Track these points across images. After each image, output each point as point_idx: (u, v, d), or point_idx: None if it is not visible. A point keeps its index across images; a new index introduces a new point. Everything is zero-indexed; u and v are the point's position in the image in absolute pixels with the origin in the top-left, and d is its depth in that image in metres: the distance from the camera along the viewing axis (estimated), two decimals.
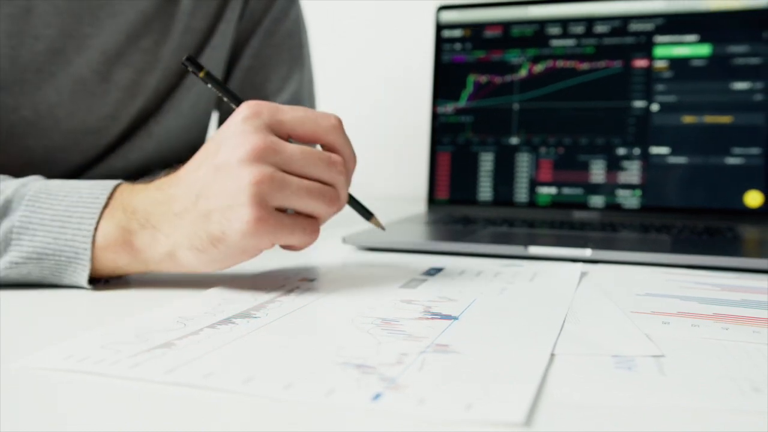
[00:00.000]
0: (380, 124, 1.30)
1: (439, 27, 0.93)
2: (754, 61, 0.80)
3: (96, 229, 0.41)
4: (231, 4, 0.71)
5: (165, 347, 0.30)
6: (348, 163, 0.43)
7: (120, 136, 0.67)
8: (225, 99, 0.46)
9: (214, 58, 0.71)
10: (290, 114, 0.42)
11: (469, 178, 0.90)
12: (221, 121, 0.80)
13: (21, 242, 0.41)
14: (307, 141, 0.42)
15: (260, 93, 0.76)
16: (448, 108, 0.92)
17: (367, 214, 0.49)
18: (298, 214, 0.42)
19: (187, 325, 0.34)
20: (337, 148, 0.43)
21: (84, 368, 0.28)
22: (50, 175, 0.65)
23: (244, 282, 0.45)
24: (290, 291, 0.43)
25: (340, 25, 1.31)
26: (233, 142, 0.40)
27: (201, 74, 0.46)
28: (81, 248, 0.41)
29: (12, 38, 0.57)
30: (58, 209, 0.42)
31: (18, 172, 0.62)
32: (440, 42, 0.93)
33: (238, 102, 0.45)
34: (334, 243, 0.64)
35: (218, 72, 0.73)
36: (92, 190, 0.43)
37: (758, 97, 0.80)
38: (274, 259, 0.54)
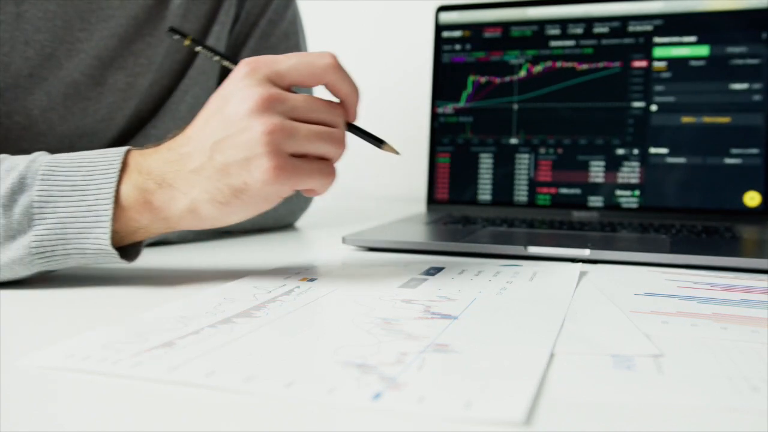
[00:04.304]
0: (380, 125, 1.30)
1: (439, 28, 0.93)
2: (752, 61, 0.80)
3: (117, 192, 0.42)
4: (224, 6, 0.71)
5: (166, 346, 0.30)
6: (350, 97, 0.45)
7: (117, 139, 0.67)
8: (222, 63, 0.47)
9: (209, 60, 0.71)
10: (286, 63, 0.43)
11: (469, 178, 0.90)
12: None
13: (44, 215, 0.42)
14: (307, 86, 0.44)
15: None
16: (448, 108, 0.92)
17: (377, 142, 0.48)
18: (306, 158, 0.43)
19: (187, 325, 0.34)
20: (337, 86, 0.45)
21: (86, 367, 0.28)
22: None
23: (244, 282, 0.45)
24: (291, 290, 0.43)
25: (339, 26, 1.31)
26: (239, 96, 0.41)
27: (187, 41, 0.47)
28: (102, 210, 0.42)
29: (4, 45, 0.57)
30: (75, 180, 0.43)
31: None
32: (440, 43, 0.93)
33: (235, 63, 0.46)
34: (334, 243, 0.64)
35: (215, 73, 0.73)
36: (104, 157, 0.44)
37: (756, 97, 0.80)
38: (275, 259, 0.55)
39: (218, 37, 0.71)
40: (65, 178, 0.43)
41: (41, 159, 0.44)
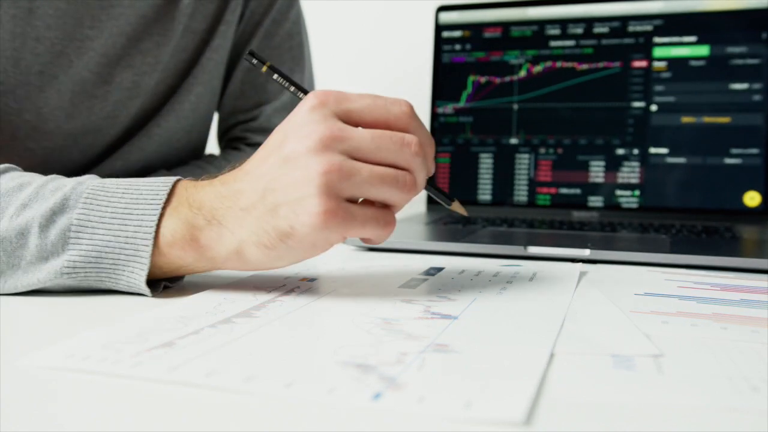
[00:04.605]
0: None
1: (439, 28, 0.93)
2: (752, 61, 0.80)
3: (158, 226, 0.40)
4: (231, 5, 0.71)
5: (166, 346, 0.30)
6: (425, 147, 0.41)
7: (120, 136, 0.68)
8: (291, 90, 0.45)
9: (214, 59, 0.71)
10: (358, 102, 0.40)
11: (469, 178, 0.90)
12: (221, 122, 0.80)
13: (80, 241, 0.40)
14: (377, 128, 0.40)
15: (261, 94, 0.76)
16: (448, 108, 0.92)
17: (447, 200, 0.47)
18: (370, 203, 0.40)
19: (187, 325, 0.34)
20: (411, 134, 0.41)
21: (86, 367, 0.28)
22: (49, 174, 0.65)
23: (244, 282, 0.45)
24: (291, 290, 0.43)
25: (340, 27, 1.31)
26: (300, 133, 0.38)
27: (264, 68, 0.45)
28: (142, 245, 0.39)
29: (15, 39, 0.58)
30: (117, 207, 0.40)
31: None
32: (440, 43, 0.93)
33: (305, 92, 0.44)
34: None
35: (219, 72, 0.73)
36: (151, 186, 0.41)
37: (756, 97, 0.80)
38: None
39: (224, 36, 0.71)
40: (107, 203, 0.40)
41: (89, 182, 0.42)
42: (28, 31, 0.58)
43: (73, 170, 0.66)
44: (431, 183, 0.45)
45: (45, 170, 0.64)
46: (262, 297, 0.41)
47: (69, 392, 0.26)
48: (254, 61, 0.45)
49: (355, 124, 0.40)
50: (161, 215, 0.40)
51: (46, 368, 0.28)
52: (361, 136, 0.39)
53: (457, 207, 0.47)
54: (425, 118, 0.94)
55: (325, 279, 0.47)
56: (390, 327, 0.34)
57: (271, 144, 0.40)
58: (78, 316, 0.38)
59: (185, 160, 0.75)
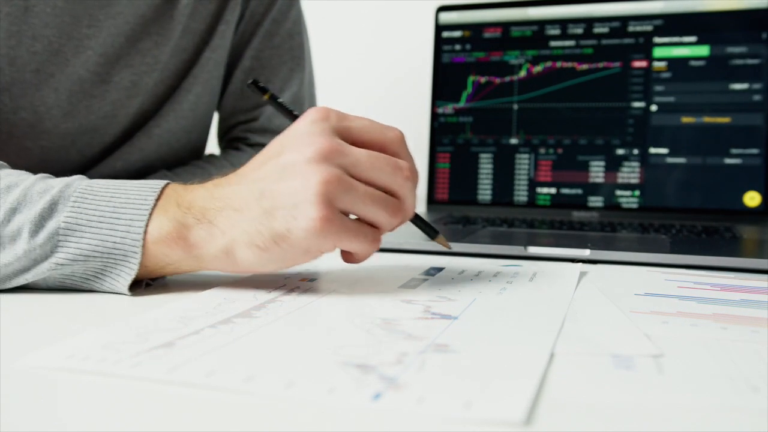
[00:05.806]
0: None
1: (439, 28, 0.93)
2: (752, 61, 0.81)
3: (146, 231, 0.40)
4: (230, 5, 0.71)
5: (166, 347, 0.30)
6: (412, 175, 0.42)
7: (119, 136, 0.67)
8: (294, 114, 0.46)
9: (213, 59, 0.71)
10: (357, 122, 0.42)
11: (469, 178, 0.90)
12: (221, 122, 0.80)
13: (68, 243, 0.40)
14: (372, 149, 0.42)
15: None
16: (448, 108, 0.92)
17: (431, 233, 0.48)
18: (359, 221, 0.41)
19: (187, 325, 0.34)
20: (401, 159, 0.42)
21: (85, 368, 0.28)
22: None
23: (244, 282, 0.45)
24: (291, 291, 0.43)
25: (340, 27, 1.31)
26: (300, 142, 0.40)
27: (266, 96, 0.47)
28: (131, 251, 0.40)
29: (11, 38, 0.57)
30: (105, 210, 0.41)
31: None
32: (440, 43, 0.93)
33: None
34: None
35: (218, 72, 0.73)
36: (140, 191, 0.42)
37: (756, 97, 0.80)
38: None
39: (223, 36, 0.71)
40: (95, 207, 0.41)
41: (76, 184, 0.42)
42: (25, 30, 0.58)
43: (71, 170, 0.66)
44: (417, 216, 0.47)
45: (43, 170, 0.64)
46: (262, 297, 0.41)
47: (69, 392, 0.26)
48: (260, 85, 0.47)
49: (353, 143, 0.41)
50: (149, 220, 0.41)
51: (46, 368, 0.28)
52: (359, 153, 0.40)
53: (441, 241, 0.49)
54: (425, 118, 0.94)
55: (325, 279, 0.47)
56: (390, 327, 0.34)
57: (268, 152, 0.41)
58: (78, 316, 0.38)
59: (185, 161, 0.75)
